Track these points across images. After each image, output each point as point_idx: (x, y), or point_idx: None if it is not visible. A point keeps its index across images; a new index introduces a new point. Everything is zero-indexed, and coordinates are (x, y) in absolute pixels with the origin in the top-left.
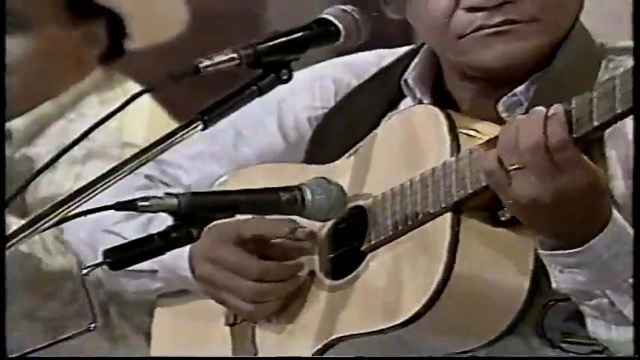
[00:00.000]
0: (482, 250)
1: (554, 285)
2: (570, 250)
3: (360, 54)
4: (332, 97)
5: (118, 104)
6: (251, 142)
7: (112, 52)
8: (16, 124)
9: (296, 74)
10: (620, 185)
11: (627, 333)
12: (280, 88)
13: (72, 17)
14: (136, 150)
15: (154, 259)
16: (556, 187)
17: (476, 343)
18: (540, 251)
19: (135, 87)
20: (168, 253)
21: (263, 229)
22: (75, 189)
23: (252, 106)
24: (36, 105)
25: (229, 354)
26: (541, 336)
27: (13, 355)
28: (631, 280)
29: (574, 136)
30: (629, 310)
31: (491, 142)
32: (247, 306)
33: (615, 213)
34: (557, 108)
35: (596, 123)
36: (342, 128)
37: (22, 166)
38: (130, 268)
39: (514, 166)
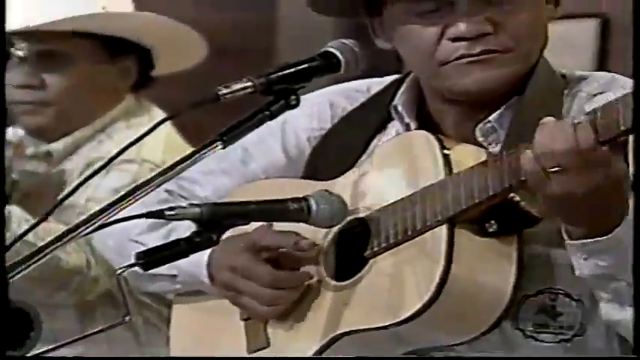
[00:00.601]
0: (474, 257)
1: (577, 272)
2: (598, 238)
3: (353, 82)
4: (329, 120)
5: (142, 129)
6: (258, 159)
7: (142, 81)
8: (56, 146)
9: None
10: None
11: None
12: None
13: (107, 54)
14: (152, 166)
15: (173, 266)
16: (590, 181)
17: (467, 337)
18: (569, 241)
19: (159, 112)
20: (187, 261)
21: (272, 240)
22: (109, 202)
23: (259, 129)
24: (74, 130)
25: (244, 346)
26: (516, 327)
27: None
28: None
29: (600, 139)
30: None
31: (490, 163)
32: (262, 308)
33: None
34: (583, 119)
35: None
36: (337, 147)
37: (58, 179)
38: (153, 272)
39: (553, 169)
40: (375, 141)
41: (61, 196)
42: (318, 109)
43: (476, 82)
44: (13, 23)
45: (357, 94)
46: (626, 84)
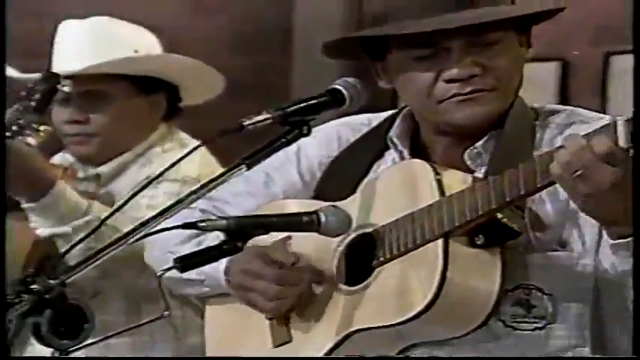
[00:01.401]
0: (465, 264)
1: (619, 269)
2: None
3: (357, 116)
4: (336, 148)
5: (174, 152)
6: (278, 182)
7: (171, 112)
8: (103, 169)
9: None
10: (548, 208)
11: None
12: (298, 141)
13: (140, 91)
14: (190, 179)
15: (201, 272)
16: (614, 177)
17: (461, 332)
18: (613, 242)
19: (185, 137)
20: (211, 267)
21: (280, 256)
22: (151, 215)
23: (276, 154)
24: (117, 155)
25: (268, 342)
26: (497, 319)
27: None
28: None
29: (625, 146)
30: None
31: (478, 188)
32: (269, 304)
33: None
34: (599, 133)
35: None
36: (342, 171)
37: (106, 199)
38: (186, 277)
39: (579, 172)
40: (374, 166)
41: (118, 204)
42: (327, 139)
43: (467, 118)
44: (60, 67)
45: (360, 126)
46: (585, 115)
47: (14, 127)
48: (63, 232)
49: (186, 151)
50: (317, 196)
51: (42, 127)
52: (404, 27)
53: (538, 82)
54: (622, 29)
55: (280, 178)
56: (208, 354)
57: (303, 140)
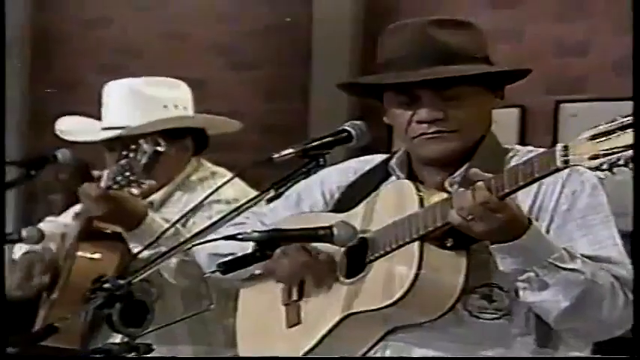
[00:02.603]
0: (436, 262)
1: (500, 267)
2: (509, 243)
3: (372, 155)
4: (352, 175)
5: (209, 180)
6: (306, 201)
7: (198, 149)
8: (153, 197)
9: (333, 167)
10: None
11: (544, 295)
12: (323, 171)
13: (171, 139)
14: (227, 200)
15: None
16: (493, 223)
17: (432, 316)
18: (491, 246)
19: (210, 165)
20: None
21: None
22: (201, 227)
23: (306, 181)
24: (163, 186)
25: (284, 324)
26: (464, 308)
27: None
28: (549, 260)
29: (500, 195)
30: (548, 277)
31: (445, 201)
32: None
33: (535, 223)
34: (479, 184)
35: (507, 190)
36: (355, 192)
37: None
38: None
39: (469, 217)
40: (380, 187)
41: (177, 217)
42: (345, 170)
43: (431, 152)
44: (105, 123)
45: (372, 160)
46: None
47: (122, 181)
48: (156, 251)
49: (221, 177)
50: (335, 211)
51: (147, 182)
52: (386, 77)
53: (501, 125)
54: (570, 81)
55: (308, 199)
56: (238, 333)
57: (326, 171)
